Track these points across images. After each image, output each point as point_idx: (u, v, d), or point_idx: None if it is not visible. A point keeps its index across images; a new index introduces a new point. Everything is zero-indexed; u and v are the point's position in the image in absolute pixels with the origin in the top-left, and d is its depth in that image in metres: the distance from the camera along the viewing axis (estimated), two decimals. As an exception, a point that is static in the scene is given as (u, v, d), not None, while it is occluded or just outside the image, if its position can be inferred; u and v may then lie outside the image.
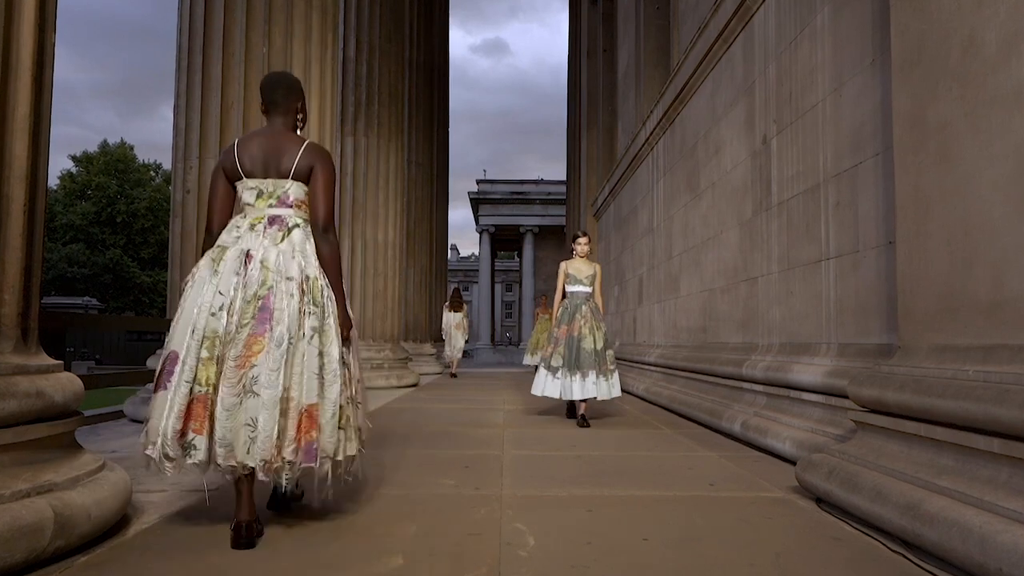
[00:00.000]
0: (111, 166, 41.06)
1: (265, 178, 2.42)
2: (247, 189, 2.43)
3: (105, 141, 42.39)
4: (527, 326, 36.40)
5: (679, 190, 7.71)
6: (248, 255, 2.30)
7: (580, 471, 3.55)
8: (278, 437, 2.16)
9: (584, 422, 5.38)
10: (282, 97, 2.53)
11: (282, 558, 2.12)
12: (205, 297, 2.25)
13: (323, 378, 2.26)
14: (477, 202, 38.56)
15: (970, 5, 2.26)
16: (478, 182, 39.24)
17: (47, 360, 2.24)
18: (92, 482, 2.19)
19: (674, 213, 7.94)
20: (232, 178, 2.46)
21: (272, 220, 2.39)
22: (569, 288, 5.72)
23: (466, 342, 14.06)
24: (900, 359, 2.60)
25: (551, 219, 36.86)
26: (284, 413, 2.18)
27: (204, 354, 2.18)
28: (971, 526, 1.88)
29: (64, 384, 2.23)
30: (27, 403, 2.03)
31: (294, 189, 2.43)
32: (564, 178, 23.75)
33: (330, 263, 2.41)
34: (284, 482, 2.22)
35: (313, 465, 2.22)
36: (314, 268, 2.37)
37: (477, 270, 44.73)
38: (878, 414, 2.63)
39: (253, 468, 2.15)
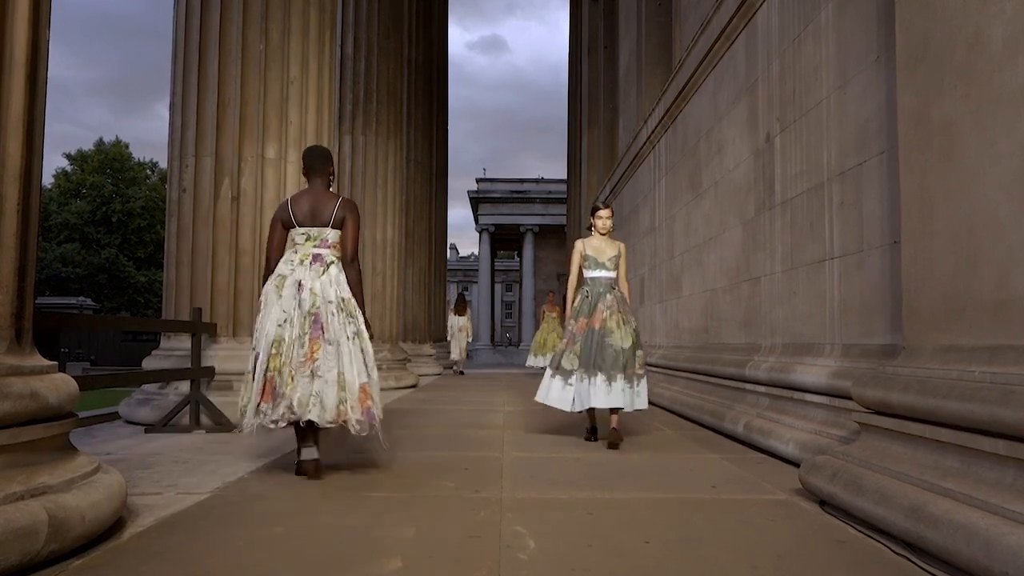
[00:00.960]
0: (106, 165, 41.05)
1: (312, 226, 3.43)
2: (299, 234, 3.44)
3: (100, 139, 42.41)
4: (527, 326, 36.37)
5: (681, 189, 7.70)
6: (300, 284, 3.32)
7: (581, 473, 3.55)
8: (341, 404, 3.22)
9: (615, 440, 4.33)
10: (319, 164, 3.57)
11: (280, 560, 2.12)
12: (273, 313, 3.30)
13: (367, 364, 3.35)
14: (477, 201, 38.55)
15: (976, 2, 2.26)
16: (478, 181, 39.24)
17: (41, 361, 2.24)
18: (87, 484, 2.19)
19: (676, 212, 7.94)
20: (287, 227, 3.47)
21: (315, 258, 3.38)
22: (588, 273, 4.70)
23: (469, 343, 15.00)
24: (905, 360, 2.60)
25: (552, 218, 36.82)
26: (344, 388, 3.24)
27: (273, 351, 3.24)
28: (976, 528, 1.88)
29: (59, 385, 2.23)
30: (21, 404, 2.03)
31: (331, 235, 3.45)
32: (564, 177, 23.76)
33: (355, 285, 3.45)
34: (354, 432, 3.29)
35: (374, 423, 3.31)
36: (346, 291, 3.39)
37: (477, 270, 44.71)
38: (882, 415, 2.63)
39: (315, 423, 3.22)
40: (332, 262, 3.40)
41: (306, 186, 3.59)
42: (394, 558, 2.13)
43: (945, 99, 2.40)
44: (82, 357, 24.47)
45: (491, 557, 2.16)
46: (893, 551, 2.23)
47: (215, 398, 5.07)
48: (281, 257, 3.44)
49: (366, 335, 3.39)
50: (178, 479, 3.27)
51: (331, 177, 3.61)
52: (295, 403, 3.18)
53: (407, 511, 2.72)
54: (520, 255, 41.02)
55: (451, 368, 14.19)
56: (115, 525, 2.37)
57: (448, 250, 24.09)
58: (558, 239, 34.59)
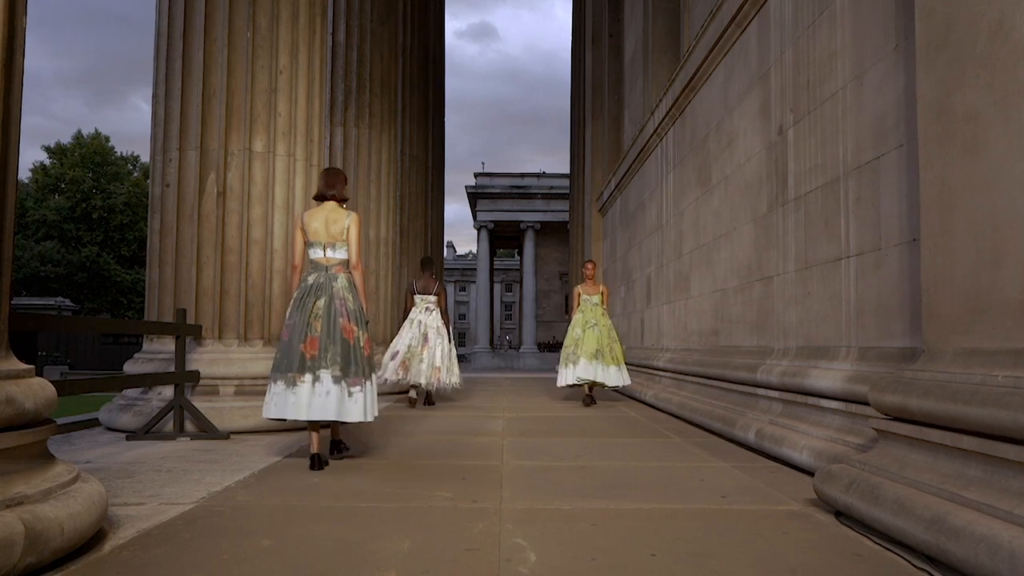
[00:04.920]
0: (86, 158, 41.05)
1: (425, 295, 7.78)
2: (419, 299, 7.77)
3: (79, 132, 42.39)
4: (528, 328, 36.36)
5: (690, 184, 7.71)
6: (420, 321, 7.69)
7: (584, 483, 3.55)
8: (431, 375, 7.58)
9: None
10: (427, 266, 7.96)
11: (267, 574, 2.12)
12: (407, 335, 7.63)
13: (448, 357, 7.75)
14: (475, 197, 38.57)
15: (999, -13, 2.26)
16: (476, 175, 39.25)
17: (17, 364, 2.24)
18: (65, 494, 2.19)
19: (684, 208, 7.94)
20: (413, 294, 7.79)
21: (427, 309, 7.75)
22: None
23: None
24: (924, 364, 2.59)
25: (553, 215, 36.84)
26: (432, 367, 7.57)
27: (407, 352, 7.55)
28: (1000, 541, 1.88)
29: (35, 390, 2.23)
30: (-4, 410, 2.03)
31: (433, 298, 7.80)
32: (567, 171, 23.75)
33: (444, 317, 7.88)
34: (434, 387, 7.65)
35: (441, 385, 7.65)
36: (439, 321, 7.77)
37: (475, 269, 44.72)
38: (901, 422, 2.63)
39: (421, 384, 7.54)
40: (434, 310, 7.79)
41: (421, 272, 7.97)
42: (388, 572, 2.13)
43: (968, 90, 2.40)
44: (60, 361, 24.46)
45: (490, 571, 2.16)
46: (912, 564, 2.23)
47: (200, 404, 5.07)
48: (413, 307, 7.80)
49: (447, 342, 7.77)
50: (161, 489, 3.27)
51: (433, 270, 8.04)
52: (413, 375, 7.53)
53: (402, 523, 2.71)
54: (520, 253, 41.02)
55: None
56: (95, 537, 2.37)
57: (444, 248, 24.07)
58: (560, 236, 34.58)
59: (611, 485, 3.49)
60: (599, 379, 7.78)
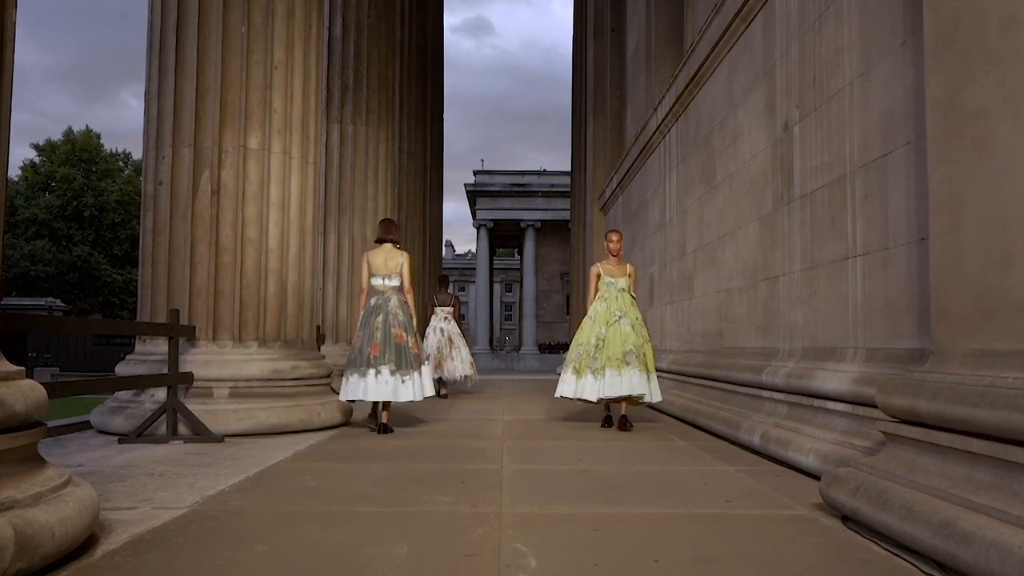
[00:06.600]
0: (76, 155, 41.03)
1: (443, 307, 10.11)
2: (439, 309, 10.07)
3: (70, 129, 42.38)
4: (528, 329, 36.38)
5: (693, 182, 7.71)
6: (441, 328, 9.83)
7: (585, 486, 3.55)
8: (462, 369, 9.83)
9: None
10: (444, 284, 10.98)
11: (262, 581, 2.12)
12: (432, 341, 9.53)
13: (467, 355, 10.00)
14: (474, 195, 38.56)
15: (1009, -19, 2.26)
16: (475, 173, 39.25)
17: (7, 366, 2.24)
18: (56, 499, 2.19)
19: (688, 207, 7.94)
20: (433, 306, 10.20)
21: (445, 317, 9.95)
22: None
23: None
24: (933, 365, 2.59)
25: (554, 213, 36.83)
26: (462, 363, 9.83)
27: (437, 352, 9.54)
28: (1010, 546, 1.87)
29: (26, 392, 2.23)
30: (-15, 413, 2.02)
31: (449, 308, 10.13)
32: (567, 168, 23.75)
33: (458, 325, 10.23)
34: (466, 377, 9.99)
35: (469, 376, 10.01)
36: (457, 329, 10.07)
37: (474, 268, 44.70)
38: (909, 425, 2.63)
39: (460, 377, 9.93)
40: (451, 319, 9.90)
41: (439, 288, 10.69)
42: (386, 578, 2.13)
43: (977, 86, 2.39)
44: (51, 362, 24.46)
45: (490, 577, 2.16)
46: (921, 570, 2.23)
47: (194, 406, 5.07)
48: (433, 317, 9.87)
49: (465, 342, 10.01)
50: (154, 493, 3.27)
51: (449, 286, 10.93)
52: (449, 371, 9.51)
53: (399, 527, 2.71)
54: (521, 253, 41.03)
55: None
56: (87, 542, 2.36)
57: (443, 247, 24.07)
58: (561, 236, 34.56)
59: (613, 489, 3.49)
60: (636, 391, 5.73)
